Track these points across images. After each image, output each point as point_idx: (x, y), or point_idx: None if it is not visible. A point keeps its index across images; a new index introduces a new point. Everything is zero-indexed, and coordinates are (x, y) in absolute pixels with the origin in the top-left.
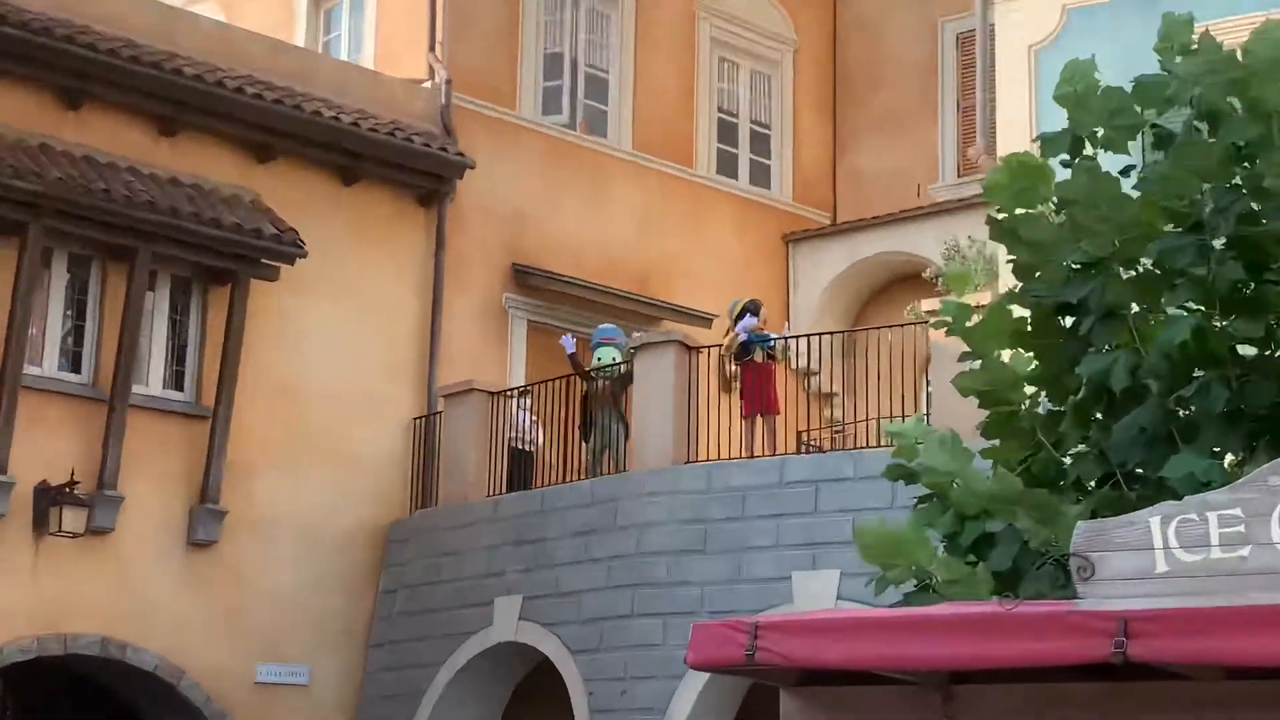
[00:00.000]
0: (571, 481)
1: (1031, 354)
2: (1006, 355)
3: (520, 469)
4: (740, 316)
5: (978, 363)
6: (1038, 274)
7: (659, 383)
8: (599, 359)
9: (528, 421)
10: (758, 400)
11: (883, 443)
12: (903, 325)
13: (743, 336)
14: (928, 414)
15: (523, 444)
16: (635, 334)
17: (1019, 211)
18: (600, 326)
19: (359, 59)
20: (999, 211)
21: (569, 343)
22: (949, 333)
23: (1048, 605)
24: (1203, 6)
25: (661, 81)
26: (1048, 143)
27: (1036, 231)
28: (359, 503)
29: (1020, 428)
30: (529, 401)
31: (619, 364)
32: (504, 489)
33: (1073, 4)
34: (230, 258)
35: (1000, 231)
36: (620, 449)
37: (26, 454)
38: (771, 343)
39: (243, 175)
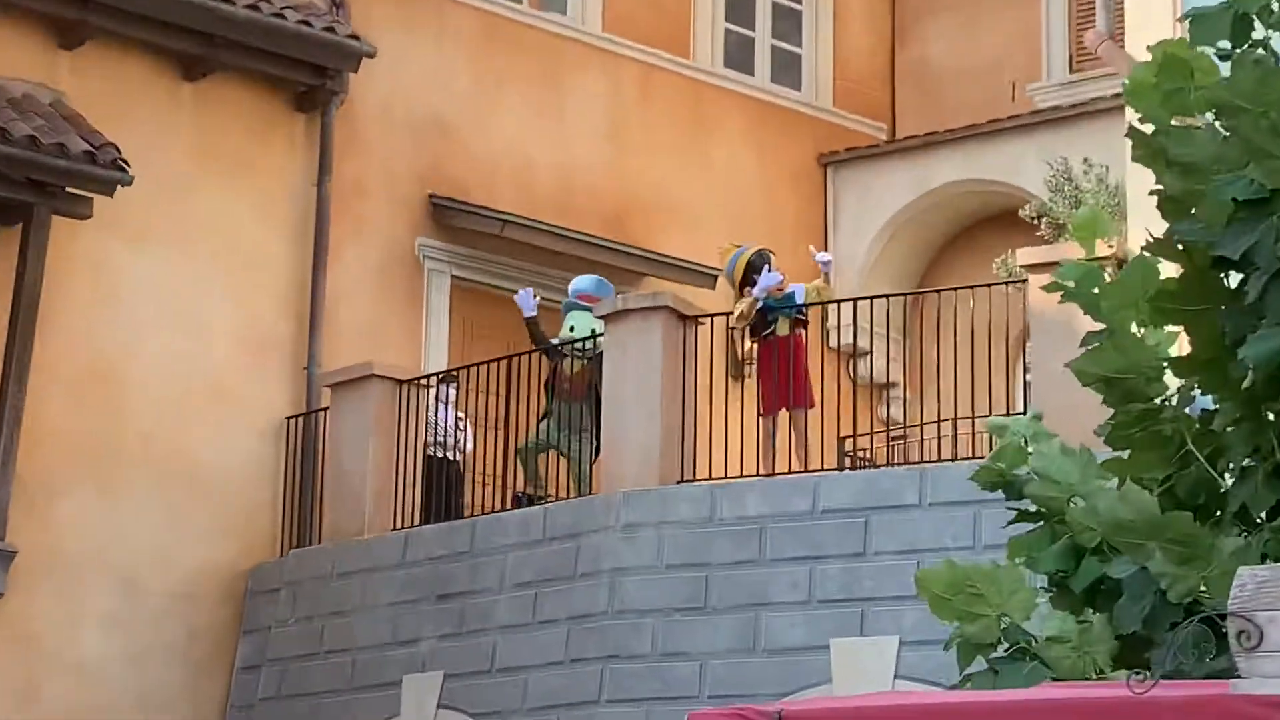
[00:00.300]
0: (513, 509)
1: (1177, 328)
2: (1140, 331)
3: (440, 488)
4: (749, 272)
5: (1095, 339)
6: (1192, 211)
7: (641, 366)
8: (571, 329)
9: (452, 420)
10: (783, 390)
11: (962, 453)
12: (990, 285)
13: (762, 300)
14: (1025, 410)
15: (444, 451)
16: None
17: (1171, 123)
18: (576, 281)
19: None
20: (1143, 122)
21: (527, 300)
22: (1069, 300)
23: (1195, 687)
24: None
25: None
26: (1198, 24)
27: (1189, 149)
28: (206, 538)
29: (1161, 434)
30: (453, 393)
31: (599, 335)
32: (418, 519)
33: None
34: (21, 185)
35: (1148, 151)
36: (586, 463)
37: None
38: (801, 307)
39: (40, 65)
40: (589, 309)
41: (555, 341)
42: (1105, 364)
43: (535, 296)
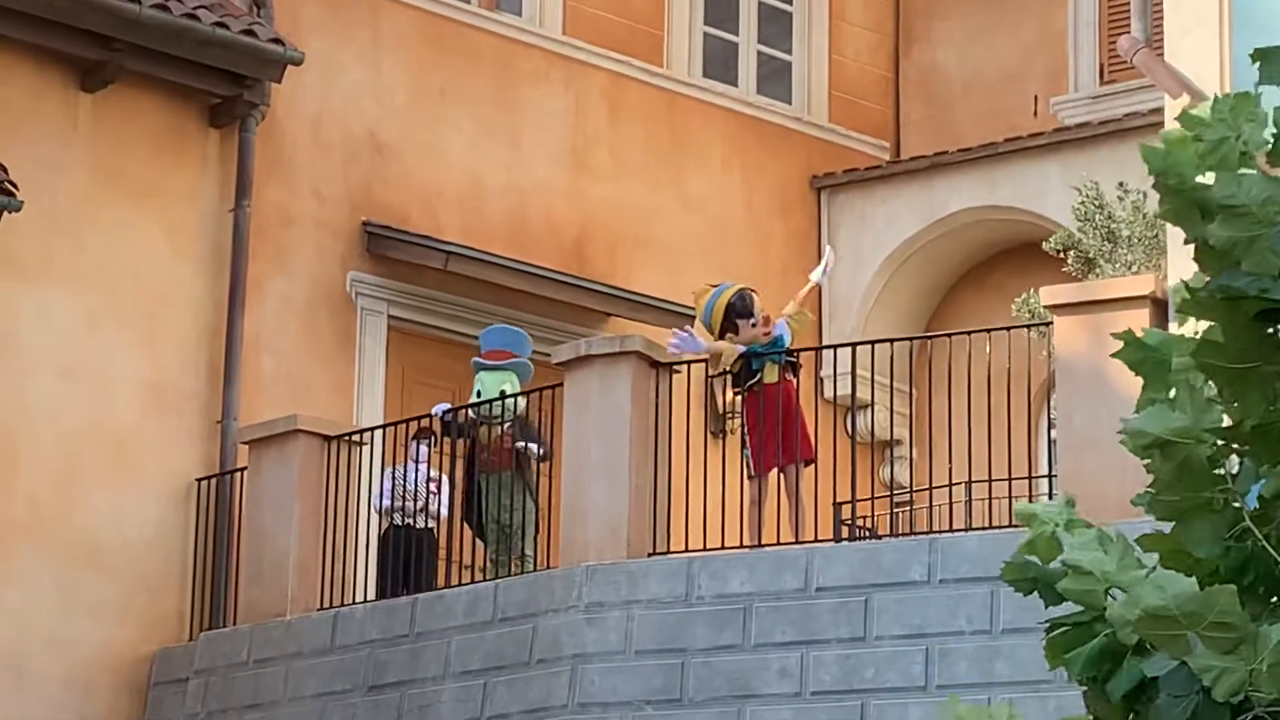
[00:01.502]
0: (461, 584)
1: (1220, 385)
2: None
3: (407, 562)
4: (730, 315)
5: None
6: (1239, 261)
7: (606, 421)
8: (479, 391)
9: (421, 478)
10: (770, 443)
11: (977, 522)
12: (1009, 329)
13: (745, 348)
14: (1050, 474)
15: (412, 517)
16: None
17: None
18: (487, 330)
19: None
20: (1171, 180)
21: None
22: (1139, 371)
23: None
24: None
25: None
26: (1270, 62)
27: (1237, 193)
28: (104, 618)
29: (1213, 504)
30: (425, 449)
31: (513, 396)
32: (354, 596)
33: None
34: None
35: (1183, 204)
36: (528, 536)
37: None
38: (794, 352)
39: None
40: (496, 366)
41: (470, 404)
42: (1164, 425)
43: (448, 407)
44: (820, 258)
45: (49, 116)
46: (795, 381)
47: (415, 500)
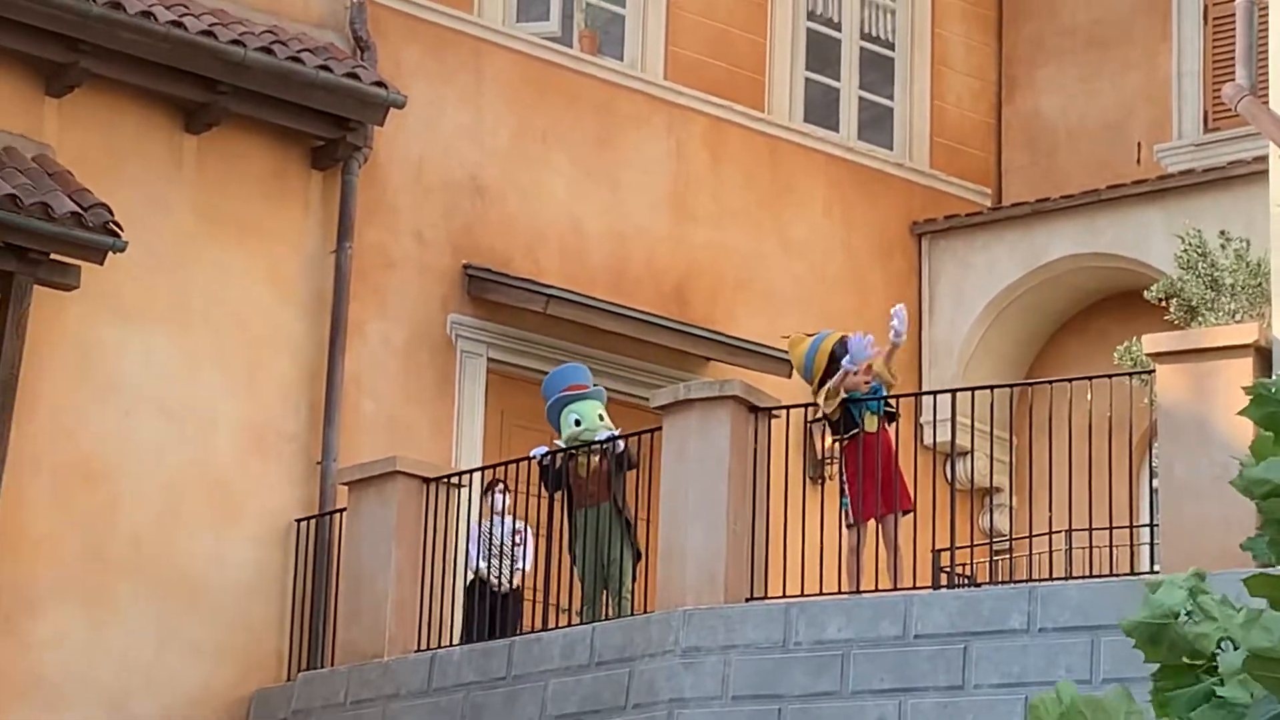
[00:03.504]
0: (558, 627)
1: None
2: None
3: (491, 621)
4: (833, 362)
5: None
6: None
7: (704, 466)
8: (575, 424)
9: (508, 530)
10: (869, 493)
11: (1077, 571)
12: (1111, 377)
13: (846, 393)
14: (1151, 523)
15: (499, 578)
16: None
17: None
18: (554, 373)
19: None
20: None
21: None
22: (1268, 428)
23: None
24: None
25: None
26: None
27: None
28: (203, 658)
29: None
30: (505, 499)
31: (611, 437)
32: (451, 638)
33: None
34: (1, 252)
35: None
36: (626, 577)
37: None
38: (891, 399)
39: (24, 115)
40: (584, 396)
41: (566, 448)
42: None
43: (547, 448)
44: (920, 307)
45: (154, 158)
46: (894, 431)
47: (502, 557)
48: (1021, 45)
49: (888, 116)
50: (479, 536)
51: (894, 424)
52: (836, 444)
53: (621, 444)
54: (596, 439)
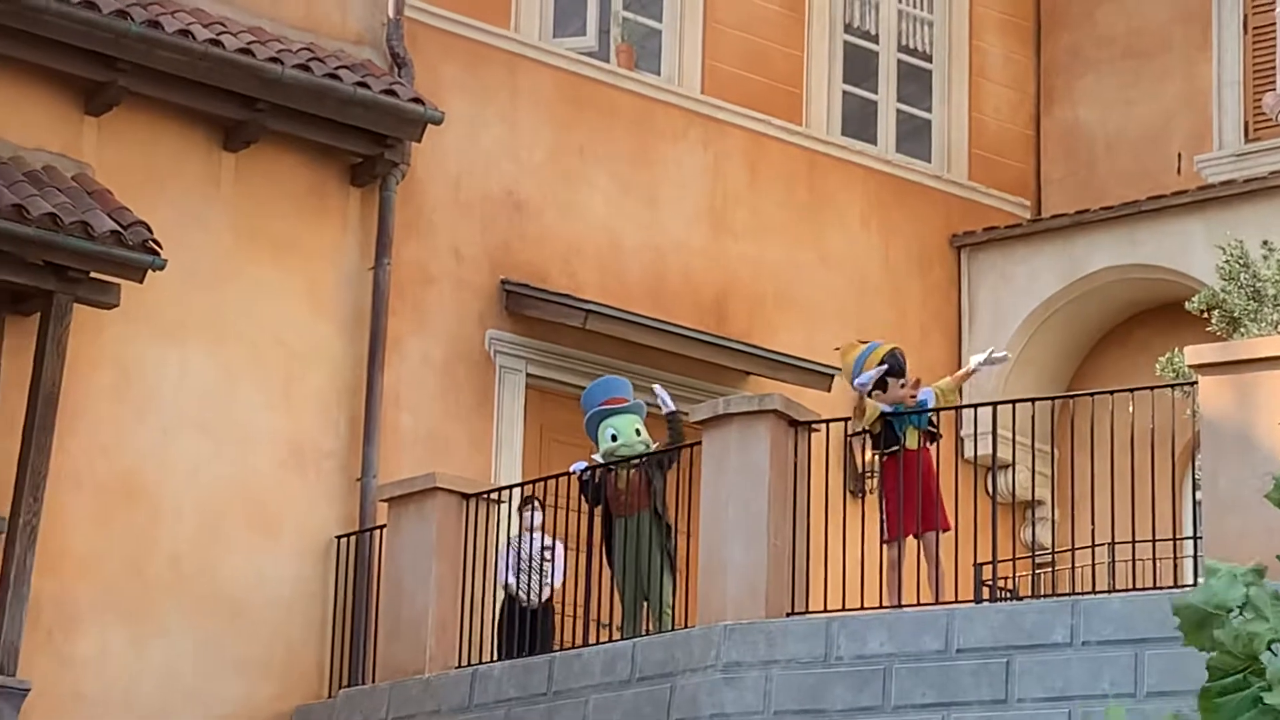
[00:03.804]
0: (599, 642)
1: None
2: None
3: (522, 636)
4: (890, 367)
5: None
6: None
7: (744, 480)
8: (612, 438)
9: (538, 548)
10: (908, 510)
11: (1120, 584)
12: (1153, 388)
13: (888, 408)
14: (1194, 535)
15: (527, 593)
16: (662, 396)
17: None
18: (593, 385)
19: None
20: None
21: (665, 397)
22: None
23: None
24: None
25: None
26: None
27: None
28: (244, 675)
29: None
30: (539, 517)
31: (651, 451)
32: (492, 654)
33: None
34: (39, 270)
35: None
36: (666, 592)
37: None
38: (932, 413)
39: (63, 134)
40: (622, 410)
41: (604, 463)
42: None
43: (587, 464)
44: (959, 319)
45: (192, 175)
46: (935, 450)
47: (531, 572)
48: (1060, 56)
49: (926, 129)
50: (510, 555)
51: (935, 444)
52: (877, 458)
53: (667, 398)
54: (633, 454)
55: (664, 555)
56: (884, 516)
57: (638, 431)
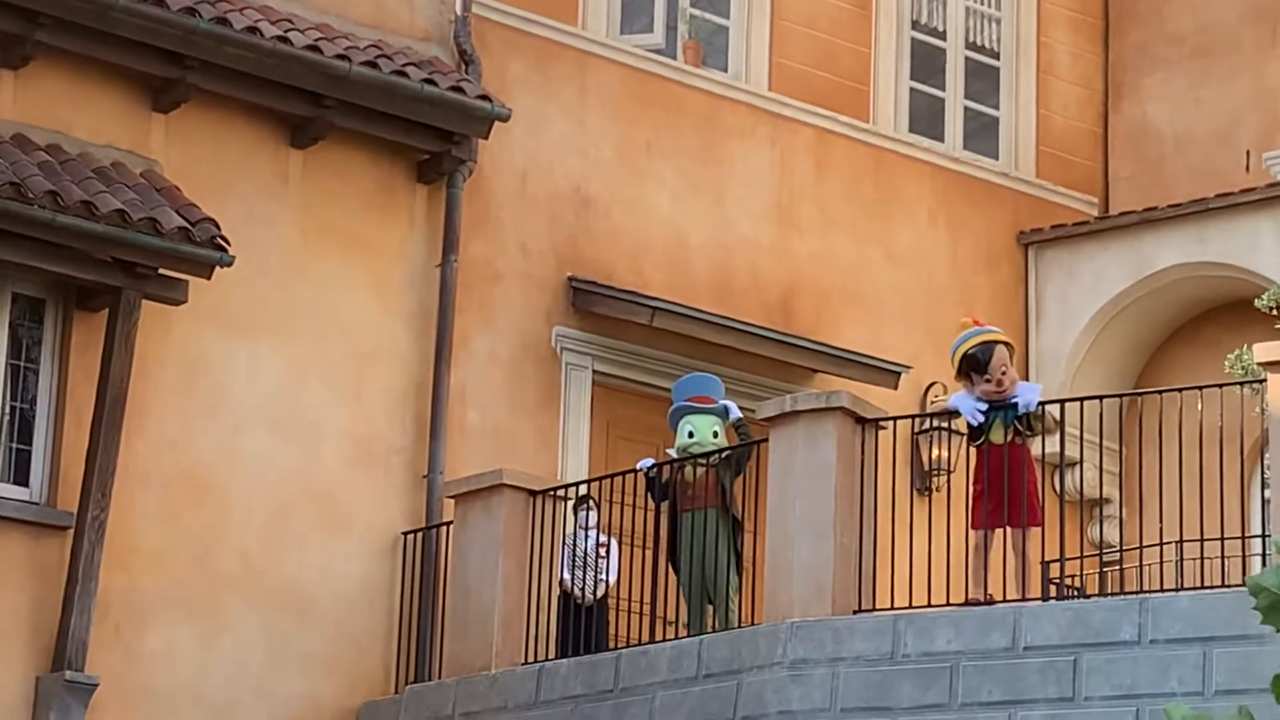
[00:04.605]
0: (665, 640)
1: None
2: None
3: (576, 632)
4: (965, 364)
5: None
6: None
7: (811, 477)
8: (689, 435)
9: (591, 545)
10: (983, 501)
11: (1189, 582)
12: (1221, 386)
13: (953, 401)
14: (1264, 533)
15: (582, 589)
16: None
17: None
18: (683, 380)
19: None
20: None
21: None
22: None
23: None
24: None
25: None
26: None
27: None
28: (311, 670)
29: None
30: (594, 517)
31: (724, 448)
32: (555, 651)
33: None
34: (108, 267)
35: None
36: (731, 589)
37: None
38: (1029, 408)
39: (131, 130)
40: (704, 410)
41: (675, 459)
42: None
43: (653, 462)
44: (1026, 317)
45: (260, 172)
46: (1027, 439)
47: (585, 569)
48: (1128, 53)
49: (993, 126)
50: (564, 549)
51: (1025, 442)
52: (946, 453)
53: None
54: (704, 452)
55: (731, 551)
56: (973, 504)
57: (715, 434)
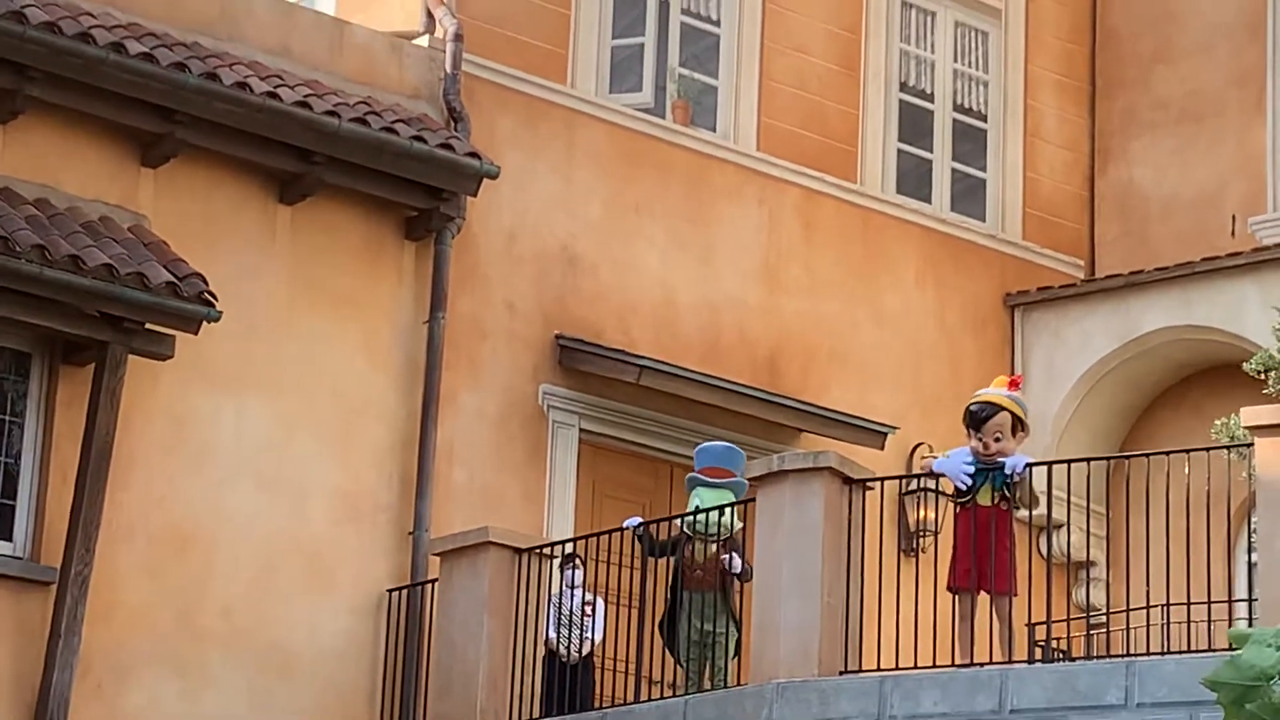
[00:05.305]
0: (651, 699)
1: None
2: None
3: (561, 691)
4: (967, 422)
5: None
6: None
7: (799, 537)
8: (697, 507)
9: (576, 604)
10: (961, 562)
11: (1175, 645)
12: (1209, 450)
13: (938, 466)
14: (1249, 597)
15: (567, 648)
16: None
17: None
18: (702, 451)
19: (313, 1)
20: None
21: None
22: None
23: None
24: None
25: (805, 40)
26: None
27: None
28: None
29: None
30: (579, 574)
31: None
32: (540, 710)
33: None
34: (95, 321)
35: None
36: (727, 658)
37: None
38: (1017, 473)
39: (119, 185)
40: (718, 484)
41: (684, 522)
42: None
43: (640, 520)
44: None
45: (248, 228)
46: (1010, 505)
47: (571, 627)
48: (1115, 117)
49: (980, 188)
50: (550, 607)
51: (1011, 509)
52: (933, 515)
53: (739, 562)
54: (706, 534)
55: (729, 622)
56: (954, 565)
57: (722, 511)
